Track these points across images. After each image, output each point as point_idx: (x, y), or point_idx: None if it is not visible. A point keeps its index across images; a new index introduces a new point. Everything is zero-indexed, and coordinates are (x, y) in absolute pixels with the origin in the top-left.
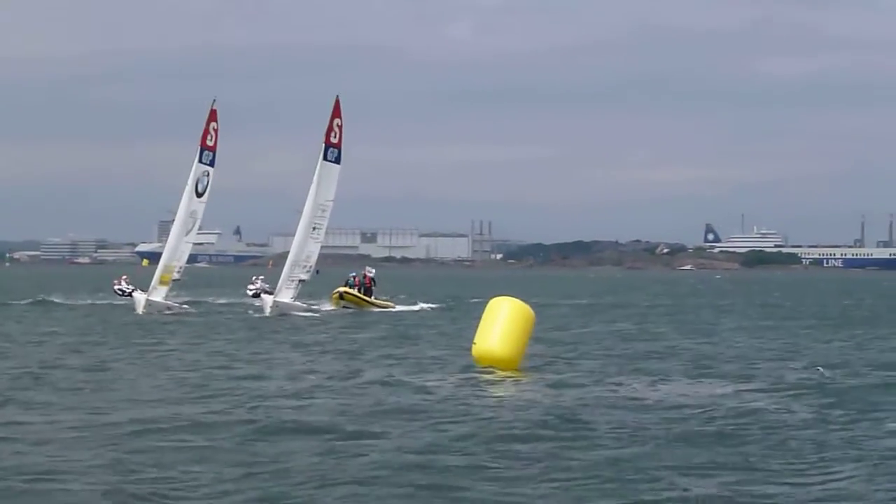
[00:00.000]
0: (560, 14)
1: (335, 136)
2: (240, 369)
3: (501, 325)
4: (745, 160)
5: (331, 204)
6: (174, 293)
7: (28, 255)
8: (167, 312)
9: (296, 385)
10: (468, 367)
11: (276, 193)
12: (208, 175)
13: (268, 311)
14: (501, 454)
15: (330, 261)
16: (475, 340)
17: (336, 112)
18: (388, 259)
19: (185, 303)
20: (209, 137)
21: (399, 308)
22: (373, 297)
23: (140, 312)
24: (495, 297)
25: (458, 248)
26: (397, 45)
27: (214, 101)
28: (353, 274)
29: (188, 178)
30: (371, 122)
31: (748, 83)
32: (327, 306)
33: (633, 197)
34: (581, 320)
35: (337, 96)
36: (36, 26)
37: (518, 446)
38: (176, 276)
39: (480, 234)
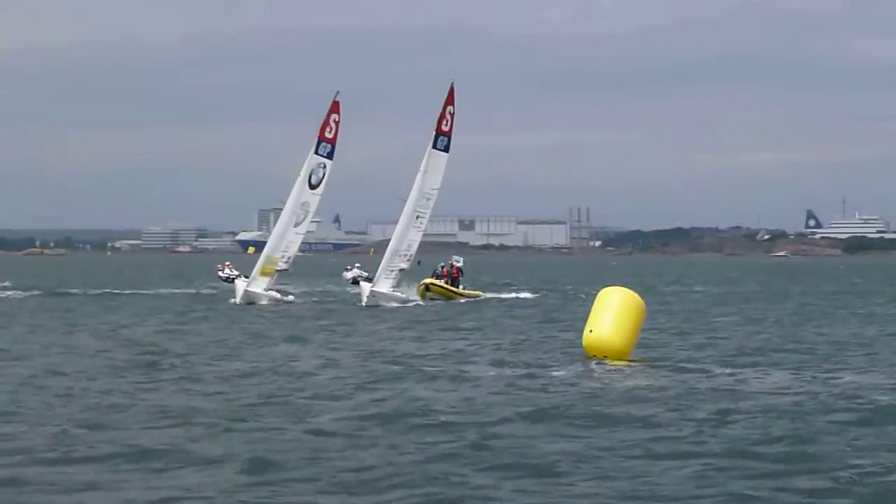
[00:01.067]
0: None
1: (447, 124)
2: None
3: (613, 314)
4: (846, 143)
5: (436, 192)
6: (285, 283)
7: (129, 244)
8: (267, 303)
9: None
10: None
11: (374, 181)
12: (324, 167)
13: (364, 300)
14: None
15: (428, 249)
16: (588, 329)
17: (450, 99)
18: (486, 246)
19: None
20: (328, 129)
21: (488, 295)
22: (461, 287)
23: (238, 302)
24: (606, 286)
25: (556, 236)
26: (491, 28)
27: (338, 93)
28: (442, 264)
29: (301, 168)
30: (467, 107)
31: (846, 64)
32: (414, 298)
33: (732, 182)
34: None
35: (452, 83)
36: (131, 10)
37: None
38: (283, 266)
39: (578, 220)
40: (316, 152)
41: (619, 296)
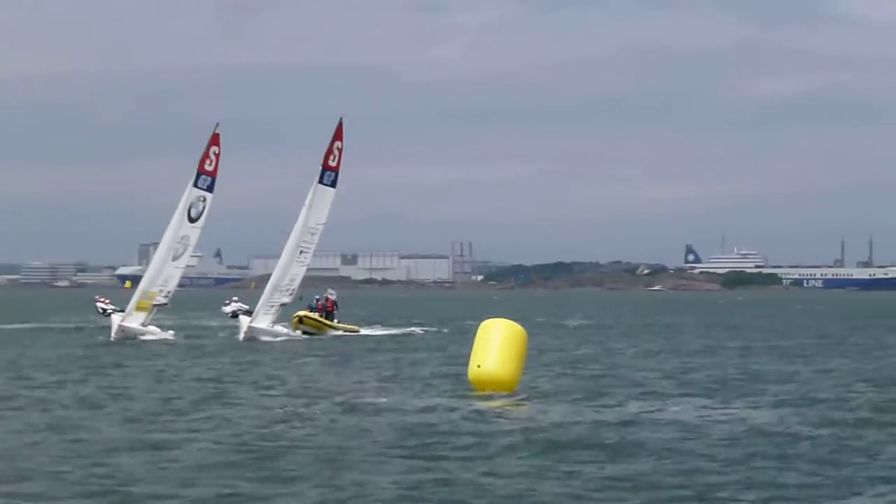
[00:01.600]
0: (547, 34)
1: (334, 160)
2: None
3: (497, 346)
4: (726, 179)
5: (321, 227)
6: (162, 316)
7: (8, 279)
8: (143, 339)
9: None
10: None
11: (256, 216)
12: (205, 200)
13: (242, 335)
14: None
15: (310, 283)
16: (473, 363)
17: (338, 135)
18: (369, 281)
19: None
20: (208, 162)
21: (366, 332)
22: (335, 321)
23: (112, 338)
24: (487, 318)
25: (439, 270)
26: (381, 65)
27: (217, 125)
28: (317, 297)
29: (180, 200)
30: (353, 141)
31: (733, 103)
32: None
33: (614, 217)
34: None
35: (340, 119)
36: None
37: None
38: (162, 300)
39: (461, 255)
40: (195, 185)
41: (502, 327)
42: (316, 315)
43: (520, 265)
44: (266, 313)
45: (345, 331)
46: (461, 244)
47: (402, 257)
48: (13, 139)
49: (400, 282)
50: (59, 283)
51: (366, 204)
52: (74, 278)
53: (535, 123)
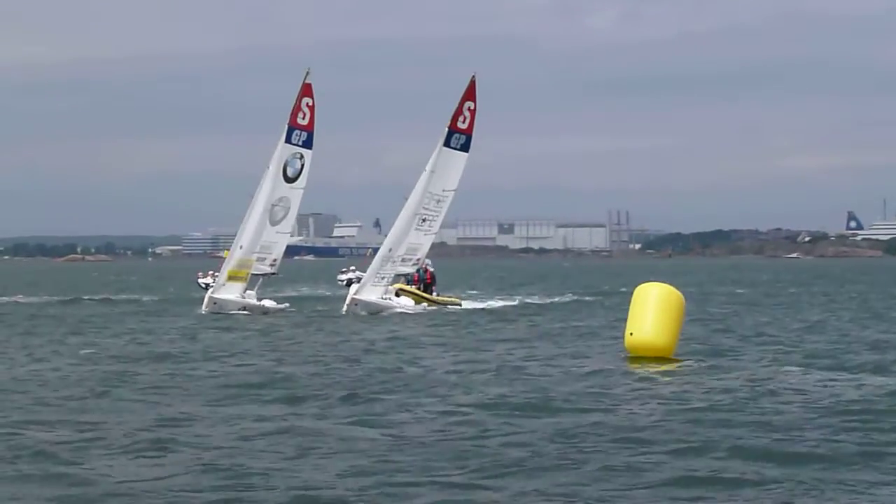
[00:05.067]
0: (695, 2)
1: (464, 122)
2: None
3: (653, 312)
4: (887, 146)
5: (450, 195)
6: (272, 289)
7: (170, 250)
8: (241, 312)
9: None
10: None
11: (413, 186)
12: (302, 158)
13: (344, 308)
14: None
15: (468, 252)
16: (629, 330)
17: (469, 94)
18: (526, 250)
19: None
20: (301, 115)
21: (469, 305)
22: (434, 294)
23: (203, 311)
24: (642, 283)
25: (596, 238)
26: (535, 35)
27: (308, 72)
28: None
29: (270, 160)
30: (508, 112)
31: (889, 67)
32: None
33: (773, 184)
34: None
35: (473, 76)
36: (170, 23)
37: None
38: (267, 269)
39: (618, 223)
40: (288, 141)
41: (657, 291)
42: (412, 288)
43: (677, 233)
44: (376, 285)
45: (444, 304)
46: (618, 213)
47: (559, 226)
48: (168, 113)
49: (557, 250)
50: (221, 254)
51: (522, 174)
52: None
53: (682, 92)
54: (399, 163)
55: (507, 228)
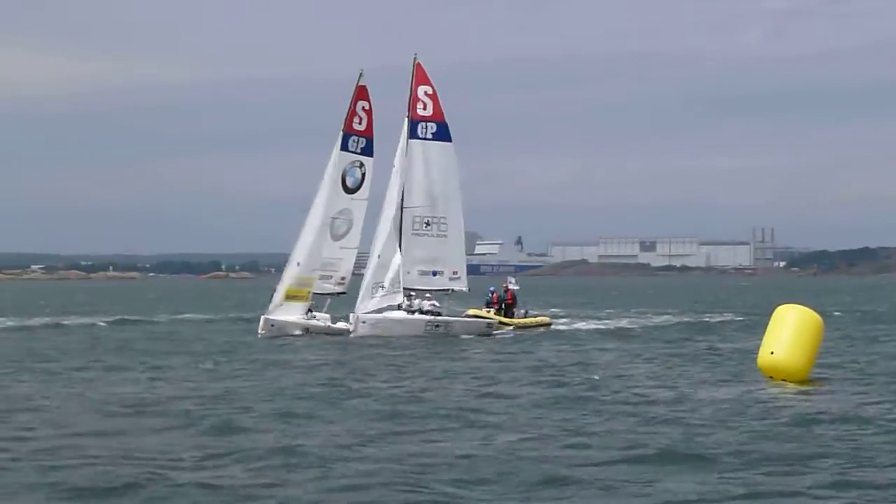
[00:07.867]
0: (842, 18)
1: (360, 122)
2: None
3: (789, 334)
4: None
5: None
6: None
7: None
8: (297, 333)
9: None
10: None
11: (554, 204)
12: (362, 166)
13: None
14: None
15: (609, 270)
16: (769, 349)
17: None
18: (668, 268)
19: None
20: (357, 120)
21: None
22: (515, 318)
23: (259, 334)
24: (781, 304)
25: (739, 256)
26: (674, 52)
27: (361, 74)
28: (492, 288)
29: (325, 171)
30: (644, 130)
31: None
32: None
33: None
34: None
35: (415, 57)
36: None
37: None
38: (335, 287)
39: (762, 241)
40: (344, 149)
41: (796, 314)
42: (484, 311)
43: (823, 251)
44: (372, 297)
45: (534, 325)
46: (762, 230)
47: (702, 244)
48: (309, 133)
49: (700, 268)
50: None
51: (661, 191)
52: None
53: (826, 108)
54: (539, 183)
55: (648, 246)
